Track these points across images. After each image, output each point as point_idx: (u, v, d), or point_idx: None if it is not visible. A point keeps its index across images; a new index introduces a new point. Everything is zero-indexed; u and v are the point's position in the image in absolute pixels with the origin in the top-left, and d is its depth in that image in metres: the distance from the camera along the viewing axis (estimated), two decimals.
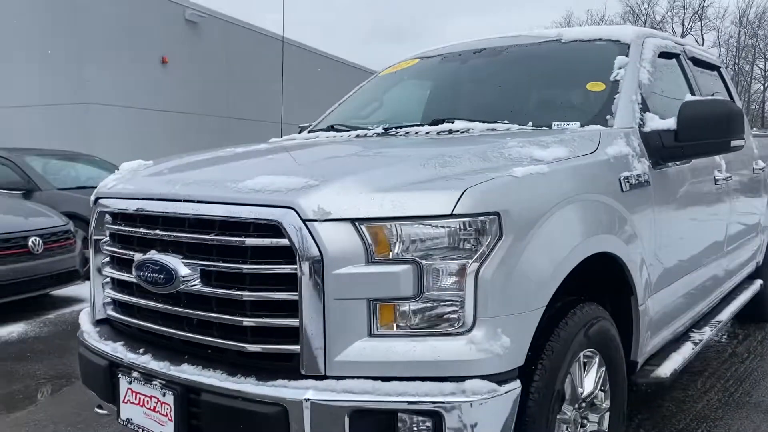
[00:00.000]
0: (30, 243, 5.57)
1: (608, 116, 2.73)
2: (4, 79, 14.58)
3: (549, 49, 3.32)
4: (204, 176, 2.22)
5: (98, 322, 2.46)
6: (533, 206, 1.95)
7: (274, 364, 1.88)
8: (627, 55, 3.03)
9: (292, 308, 1.83)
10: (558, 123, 2.75)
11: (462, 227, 1.80)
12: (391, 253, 1.80)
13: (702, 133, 2.71)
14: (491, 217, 1.82)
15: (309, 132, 3.54)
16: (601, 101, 2.82)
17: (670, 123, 2.75)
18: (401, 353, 1.79)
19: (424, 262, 1.79)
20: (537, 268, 1.91)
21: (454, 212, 1.79)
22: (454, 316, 1.81)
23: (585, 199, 2.19)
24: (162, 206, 2.11)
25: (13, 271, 5.43)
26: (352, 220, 1.80)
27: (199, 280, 1.99)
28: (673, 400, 3.55)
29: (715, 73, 4.41)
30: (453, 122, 2.88)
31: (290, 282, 1.83)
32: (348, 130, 3.25)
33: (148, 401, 2.07)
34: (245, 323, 1.89)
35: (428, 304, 1.81)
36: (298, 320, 1.81)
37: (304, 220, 1.80)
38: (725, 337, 4.88)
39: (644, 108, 2.84)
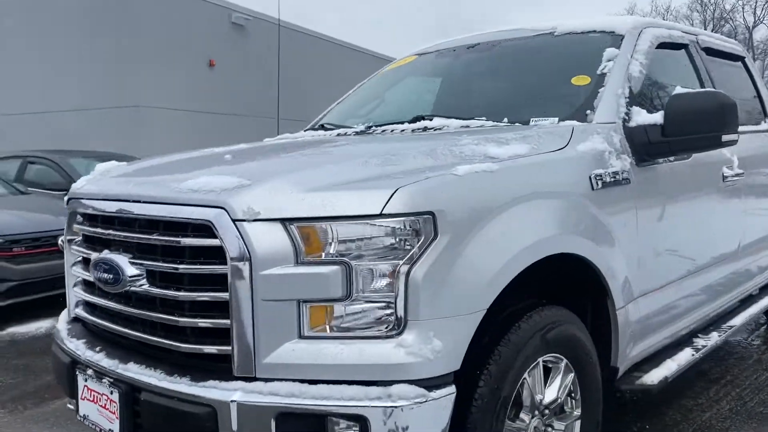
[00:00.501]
0: (59, 241, 5.78)
1: (588, 111, 2.61)
2: (55, 84, 15.23)
3: (541, 43, 3.20)
4: (157, 177, 2.24)
5: (72, 321, 2.52)
6: (476, 205, 1.88)
7: (213, 364, 1.88)
8: (619, 47, 2.90)
9: (225, 309, 1.83)
10: (536, 119, 2.65)
11: (392, 227, 1.75)
12: (320, 254, 1.77)
13: (690, 127, 2.56)
14: (425, 217, 1.77)
15: (305, 131, 3.54)
16: (584, 96, 2.70)
17: (657, 117, 2.61)
18: (330, 356, 1.76)
19: (353, 262, 1.76)
20: (477, 270, 1.84)
21: (383, 212, 1.74)
22: (385, 318, 1.76)
23: (543, 198, 2.10)
24: (116, 206, 2.14)
25: (45, 268, 5.65)
26: (282, 220, 1.78)
27: (145, 280, 2.01)
28: (681, 408, 3.38)
29: (739, 63, 4.18)
30: (431, 119, 2.82)
31: (223, 282, 1.82)
32: (334, 129, 3.24)
33: (100, 398, 2.10)
34: (181, 323, 1.90)
35: (358, 306, 1.77)
36: (229, 321, 1.81)
37: (234, 220, 1.79)
38: (756, 341, 4.62)
39: (632, 102, 2.71)
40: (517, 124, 2.63)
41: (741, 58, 4.17)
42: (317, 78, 18.36)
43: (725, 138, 2.58)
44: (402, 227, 1.76)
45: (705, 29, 49.98)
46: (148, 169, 2.43)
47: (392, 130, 2.83)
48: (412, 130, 2.76)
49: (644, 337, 2.69)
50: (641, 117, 2.64)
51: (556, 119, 2.61)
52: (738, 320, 3.49)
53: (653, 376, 2.68)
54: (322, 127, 3.40)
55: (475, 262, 1.84)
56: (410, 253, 1.75)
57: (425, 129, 2.74)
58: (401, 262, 1.75)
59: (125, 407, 1.99)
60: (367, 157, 2.02)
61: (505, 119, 2.69)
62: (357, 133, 2.94)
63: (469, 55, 3.41)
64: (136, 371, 1.98)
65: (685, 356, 2.92)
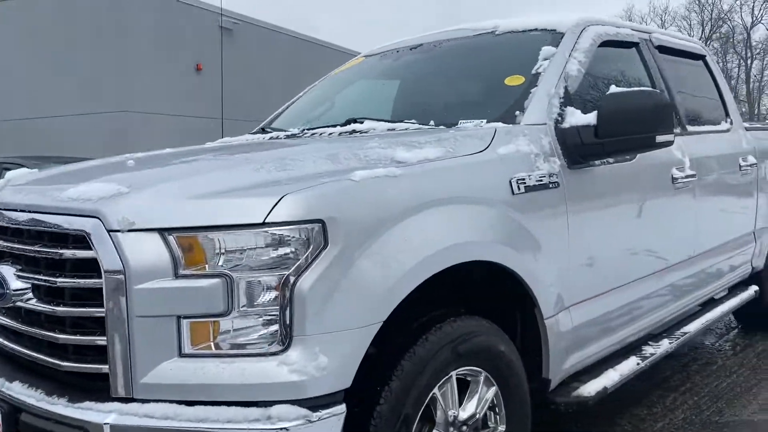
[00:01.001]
0: None
1: (518, 112, 2.51)
2: (43, 89, 15.17)
3: (481, 42, 3.11)
4: (51, 185, 2.13)
5: None
6: (375, 212, 1.78)
7: (92, 384, 1.78)
8: (557, 46, 2.80)
9: (103, 325, 1.72)
10: (465, 121, 2.55)
11: (277, 237, 1.65)
12: (200, 266, 1.67)
13: (623, 128, 2.46)
14: (313, 225, 1.67)
15: (250, 134, 3.45)
16: (515, 96, 2.60)
17: (590, 118, 2.50)
18: (211, 375, 1.65)
19: (236, 275, 1.65)
20: (372, 281, 1.74)
21: (267, 220, 1.64)
22: (268, 334, 1.66)
23: (453, 204, 2.00)
24: (6, 216, 2.04)
25: None
26: (160, 230, 1.67)
27: (32, 294, 1.91)
28: (633, 417, 3.27)
29: (699, 62, 4.08)
30: (362, 122, 2.72)
31: (100, 297, 1.72)
32: (273, 132, 3.14)
33: None
34: (61, 340, 1.80)
35: (241, 322, 1.67)
36: (106, 338, 1.71)
37: (108, 231, 1.69)
38: (725, 346, 4.51)
39: (567, 102, 2.60)
40: (442, 126, 2.53)
41: (701, 57, 4.07)
42: (305, 80, 18.27)
43: (659, 139, 2.48)
44: (287, 236, 1.65)
45: (703, 30, 50.02)
46: (51, 177, 2.33)
47: (321, 134, 2.73)
48: (340, 134, 2.66)
49: (582, 346, 2.58)
50: (575, 118, 2.54)
51: (484, 121, 2.51)
52: (692, 327, 3.38)
53: (590, 388, 2.57)
54: (263, 131, 3.31)
55: (371, 272, 1.74)
56: (296, 264, 1.65)
57: (353, 132, 2.64)
58: (286, 273, 1.65)
59: (7, 428, 1.89)
60: (263, 162, 1.93)
61: (432, 122, 2.59)
62: (288, 137, 2.85)
63: (410, 56, 3.31)
64: (18, 390, 1.87)
65: (629, 365, 2.82)
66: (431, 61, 3.19)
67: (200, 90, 15.73)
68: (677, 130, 3.32)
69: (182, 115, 15.16)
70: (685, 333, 3.31)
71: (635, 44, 3.33)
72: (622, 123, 2.46)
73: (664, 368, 3.95)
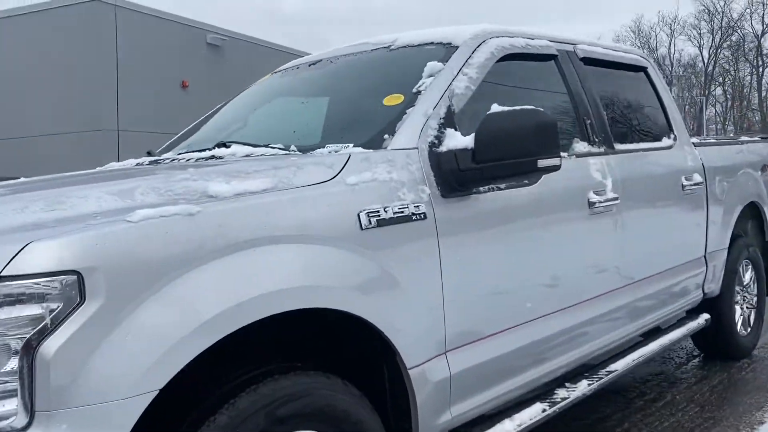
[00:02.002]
0: None
1: (387, 135, 2.26)
2: (28, 109, 15.08)
3: (375, 58, 2.86)
4: None
5: None
6: (159, 258, 1.53)
7: None
8: (447, 61, 2.55)
9: None
10: (331, 145, 2.30)
11: (16, 292, 1.40)
12: None
13: (503, 151, 2.20)
14: (65, 277, 1.41)
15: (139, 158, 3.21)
16: (390, 117, 2.35)
17: (468, 141, 2.25)
18: None
19: None
20: (147, 339, 1.47)
21: (3, 273, 1.39)
22: (6, 410, 1.40)
23: (280, 243, 1.74)
24: None
25: None
26: None
27: None
28: None
29: (640, 74, 3.81)
30: (229, 146, 2.47)
31: None
32: (151, 157, 2.90)
33: None
34: None
35: None
36: None
37: None
38: (681, 376, 4.20)
39: (450, 123, 2.34)
40: (297, 152, 2.27)
41: (642, 69, 3.80)
42: None
43: (542, 163, 2.21)
44: (30, 292, 1.40)
45: (713, 39, 49.49)
46: None
47: (181, 160, 2.49)
48: (197, 159, 2.42)
49: (469, 395, 2.30)
50: (454, 141, 2.28)
51: (350, 145, 2.26)
52: (620, 364, 3.09)
53: None
54: (148, 154, 3.07)
55: (145, 329, 1.48)
56: (41, 325, 1.40)
57: (210, 158, 2.39)
58: (27, 336, 1.39)
59: None
60: (38, 199, 1.68)
61: (294, 146, 2.34)
62: (150, 163, 2.61)
63: (305, 73, 3.07)
64: None
65: (531, 413, 2.53)
66: (321, 79, 2.96)
67: (186, 107, 15.58)
68: (600, 149, 3.06)
69: (167, 133, 15.01)
70: (611, 372, 3.02)
71: (553, 57, 3.07)
72: (501, 146, 2.20)
73: (604, 404, 3.65)
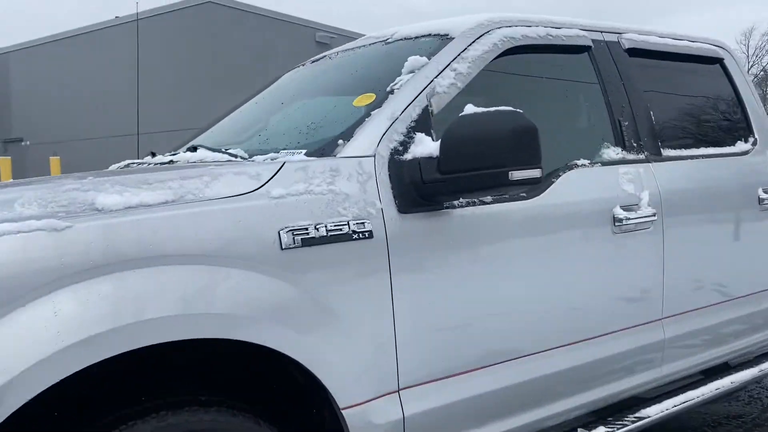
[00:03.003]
0: None
1: (342, 141, 1.99)
2: (148, 107, 16.03)
3: (367, 54, 2.59)
4: None
5: None
6: (13, 279, 1.38)
7: None
8: (434, 55, 2.24)
9: None
10: (286, 150, 2.07)
11: None
12: None
13: (472, 160, 1.87)
14: None
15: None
16: (353, 120, 2.08)
17: (434, 148, 1.94)
18: None
19: None
20: None
21: None
22: None
23: (161, 264, 1.54)
24: None
25: None
26: None
27: None
28: None
29: (715, 67, 3.25)
30: (196, 150, 2.32)
31: None
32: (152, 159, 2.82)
33: None
34: None
35: None
36: None
37: None
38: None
39: (425, 127, 2.04)
40: (238, 159, 2.07)
41: (717, 60, 3.24)
42: None
43: (516, 175, 1.85)
44: None
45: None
46: None
47: (146, 164, 2.37)
48: (159, 163, 2.28)
49: None
50: (421, 147, 1.98)
51: (303, 151, 2.02)
52: (654, 410, 2.60)
53: None
54: (152, 155, 2.99)
55: None
56: None
57: (170, 162, 2.25)
58: None
59: None
60: None
61: (243, 150, 2.13)
62: (125, 167, 2.51)
63: (306, 70, 2.86)
64: None
65: None
66: (316, 77, 2.73)
67: None
68: (638, 155, 2.61)
69: None
70: (641, 418, 2.56)
71: (585, 48, 2.65)
72: (470, 154, 1.87)
73: None
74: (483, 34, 2.34)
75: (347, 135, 2.01)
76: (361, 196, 1.86)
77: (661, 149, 2.73)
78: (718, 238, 2.83)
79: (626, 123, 2.63)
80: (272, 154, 2.01)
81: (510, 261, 2.13)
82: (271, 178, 1.78)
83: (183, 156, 2.27)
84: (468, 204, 2.05)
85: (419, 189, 1.94)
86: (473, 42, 2.30)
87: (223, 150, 2.20)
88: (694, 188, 2.75)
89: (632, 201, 2.49)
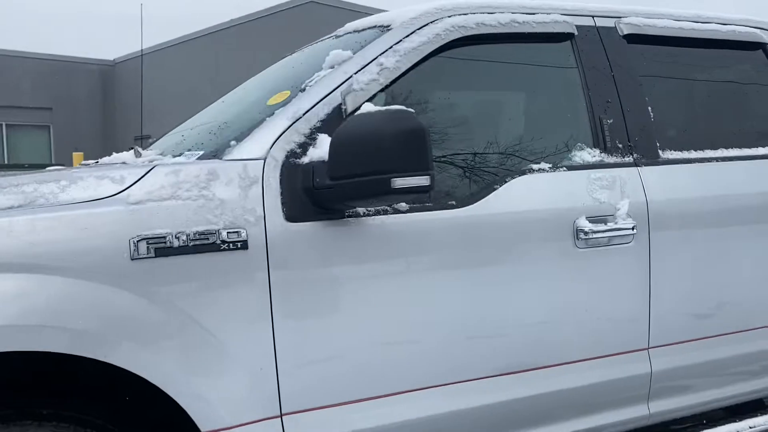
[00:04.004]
0: None
1: (234, 142, 1.86)
2: None
3: (319, 48, 2.42)
4: None
5: None
6: None
7: None
8: (357, 51, 2.04)
9: None
10: (190, 152, 1.97)
11: None
12: None
13: (358, 165, 1.67)
14: None
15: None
16: (254, 120, 1.94)
17: (325, 151, 1.75)
18: None
19: None
20: None
21: None
22: None
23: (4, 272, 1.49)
24: None
25: None
26: None
27: None
28: None
29: (758, 53, 2.76)
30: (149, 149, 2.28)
31: None
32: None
33: None
34: None
35: None
36: None
37: None
38: None
39: (330, 128, 1.85)
40: (140, 161, 1.97)
41: (759, 46, 2.74)
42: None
43: (399, 183, 1.63)
44: None
45: None
46: None
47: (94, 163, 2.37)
48: (96, 164, 2.27)
49: None
50: (319, 150, 1.80)
51: (200, 154, 1.91)
52: None
53: None
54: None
55: None
56: None
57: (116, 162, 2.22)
58: None
59: None
60: None
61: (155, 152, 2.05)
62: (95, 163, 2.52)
63: (273, 66, 2.73)
64: None
65: None
66: (269, 73, 2.60)
67: None
68: (623, 158, 2.25)
69: None
70: None
71: (567, 36, 2.32)
72: (357, 158, 1.67)
73: None
74: (426, 24, 2.11)
75: (243, 136, 1.87)
76: (240, 203, 1.72)
77: (660, 151, 2.34)
78: (734, 258, 2.38)
79: (610, 121, 2.27)
80: (176, 158, 1.92)
81: (426, 281, 1.90)
82: (135, 182, 1.68)
83: (119, 156, 2.23)
84: (378, 213, 1.85)
85: (312, 196, 1.77)
86: (412, 33, 2.08)
87: (137, 151, 2.13)
88: (703, 197, 2.34)
89: (605, 211, 2.15)
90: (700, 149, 2.43)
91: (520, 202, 2.03)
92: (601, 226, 2.11)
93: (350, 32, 2.35)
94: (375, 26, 2.23)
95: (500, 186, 2.03)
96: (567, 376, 2.11)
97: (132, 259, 1.59)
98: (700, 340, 2.31)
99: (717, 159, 2.43)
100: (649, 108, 2.36)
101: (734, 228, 2.37)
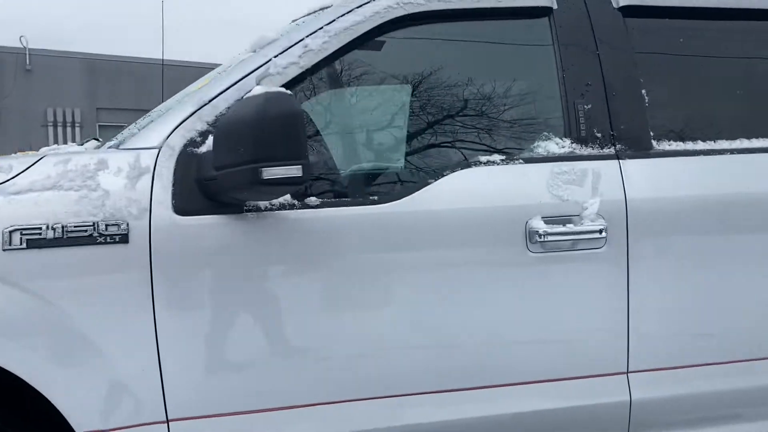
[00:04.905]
0: None
1: (137, 130, 1.78)
2: None
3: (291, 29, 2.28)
4: None
5: None
6: None
7: None
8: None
9: None
10: (116, 140, 1.91)
11: None
12: None
13: (233, 154, 1.53)
14: None
15: None
16: (169, 107, 1.84)
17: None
18: None
19: None
20: None
21: None
22: None
23: None
24: None
25: None
26: None
27: None
28: None
29: None
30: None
31: None
32: None
33: None
34: None
35: None
36: None
37: None
38: None
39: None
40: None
41: None
42: None
43: (268, 173, 1.46)
44: None
45: None
46: None
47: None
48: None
49: None
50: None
51: (115, 144, 1.84)
52: None
53: None
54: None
55: None
56: None
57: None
58: None
59: None
60: None
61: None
62: None
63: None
64: None
65: None
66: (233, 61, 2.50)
67: None
68: (602, 150, 1.94)
69: None
70: None
71: (545, 11, 2.03)
72: (234, 146, 1.53)
73: None
74: (368, 2, 1.92)
75: (148, 124, 1.79)
76: (125, 194, 1.63)
77: (655, 141, 1.99)
78: (741, 273, 1.96)
79: (588, 106, 1.96)
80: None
81: (335, 285, 1.71)
82: (22, 172, 1.63)
83: (64, 147, 2.24)
84: (284, 207, 1.69)
85: (203, 187, 1.65)
86: (348, 12, 1.90)
87: (81, 143, 2.11)
88: (704, 196, 1.95)
89: (569, 211, 1.84)
90: (710, 139, 2.04)
91: (456, 199, 1.78)
92: (559, 228, 1.81)
93: (306, 15, 2.20)
94: (323, 7, 2.06)
95: (435, 180, 1.79)
96: (521, 398, 1.84)
97: (3, 250, 1.55)
98: (692, 367, 1.93)
99: (731, 151, 2.02)
100: (644, 91, 2.02)
101: (743, 235, 1.97)
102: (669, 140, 2.01)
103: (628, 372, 1.91)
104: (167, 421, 1.64)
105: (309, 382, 1.70)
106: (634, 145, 1.96)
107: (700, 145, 2.02)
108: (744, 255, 1.96)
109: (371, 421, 1.72)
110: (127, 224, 1.60)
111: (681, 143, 2.01)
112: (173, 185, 1.66)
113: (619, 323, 1.88)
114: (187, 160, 1.68)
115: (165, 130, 1.71)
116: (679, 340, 1.94)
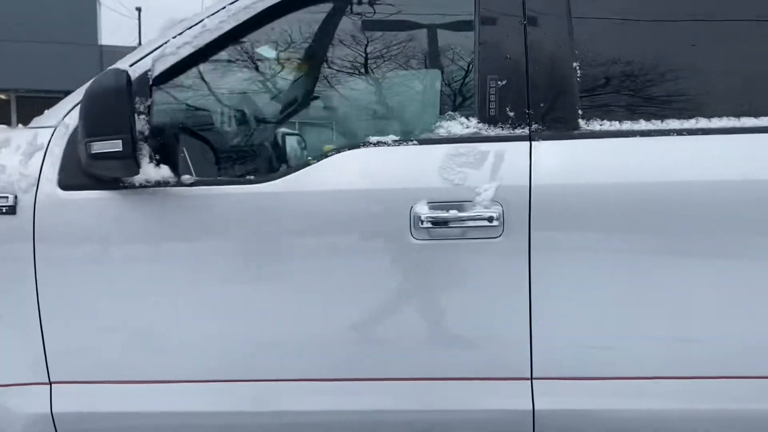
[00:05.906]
0: None
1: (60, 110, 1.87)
2: None
3: None
4: None
5: None
6: None
7: None
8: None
9: None
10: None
11: None
12: None
13: (84, 129, 1.60)
14: None
15: None
16: None
17: None
18: None
19: None
20: None
21: None
22: None
23: None
24: None
25: None
26: None
27: None
28: None
29: None
30: None
31: None
32: None
33: None
34: None
35: None
36: None
37: None
38: None
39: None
40: None
41: None
42: None
43: (97, 148, 1.50)
44: None
45: None
46: None
47: None
48: None
49: None
50: None
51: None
52: None
53: None
54: None
55: None
56: None
57: None
58: None
59: None
60: None
61: None
62: None
63: None
64: None
65: None
66: None
67: None
68: (517, 131, 1.74)
69: None
70: None
71: None
72: (83, 122, 1.60)
73: None
74: None
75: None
76: (19, 169, 1.75)
77: (585, 120, 1.75)
78: (676, 277, 1.67)
79: (502, 83, 1.77)
80: None
81: (205, 265, 1.72)
82: None
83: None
84: (160, 184, 1.72)
85: (80, 164, 1.73)
86: None
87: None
88: (633, 184, 1.69)
89: (461, 196, 1.69)
90: (657, 119, 1.76)
91: (336, 181, 1.71)
92: (441, 213, 1.66)
93: None
94: None
95: (316, 160, 1.73)
96: (394, 395, 1.73)
97: None
98: (610, 380, 1.69)
99: (681, 132, 1.73)
100: (576, 65, 1.78)
101: (678, 233, 1.67)
102: (603, 119, 1.76)
103: (532, 378, 1.72)
104: (50, 383, 1.76)
105: (177, 358, 1.74)
106: (556, 124, 1.75)
107: (642, 125, 1.75)
108: (676, 256, 1.67)
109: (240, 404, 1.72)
110: (15, 197, 1.73)
111: (617, 123, 1.76)
112: (61, 161, 1.75)
113: (519, 321, 1.70)
114: (76, 138, 1.77)
115: (64, 110, 1.82)
116: (597, 347, 1.71)
